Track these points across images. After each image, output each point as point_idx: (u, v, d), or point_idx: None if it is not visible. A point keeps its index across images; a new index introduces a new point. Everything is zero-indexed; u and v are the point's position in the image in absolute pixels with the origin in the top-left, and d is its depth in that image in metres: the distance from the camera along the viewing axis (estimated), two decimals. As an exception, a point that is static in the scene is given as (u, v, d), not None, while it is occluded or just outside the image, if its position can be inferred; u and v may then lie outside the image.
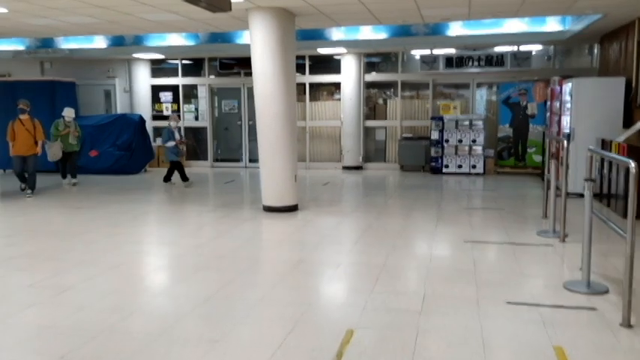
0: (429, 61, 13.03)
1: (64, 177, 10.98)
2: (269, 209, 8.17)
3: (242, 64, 13.88)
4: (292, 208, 8.22)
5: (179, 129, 11.11)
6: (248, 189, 11.26)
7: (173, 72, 14.66)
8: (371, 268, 5.27)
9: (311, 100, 14.10)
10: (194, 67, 14.67)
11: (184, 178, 10.84)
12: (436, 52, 12.79)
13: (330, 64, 13.85)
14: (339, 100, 13.90)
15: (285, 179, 8.17)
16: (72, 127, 10.79)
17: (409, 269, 5.38)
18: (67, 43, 13.27)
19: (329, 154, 14.23)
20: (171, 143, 10.61)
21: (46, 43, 13.41)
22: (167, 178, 11.02)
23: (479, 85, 13.32)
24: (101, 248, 6.18)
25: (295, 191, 8.31)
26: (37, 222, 7.83)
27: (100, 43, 13.10)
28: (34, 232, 7.15)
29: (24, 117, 9.42)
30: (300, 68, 13.63)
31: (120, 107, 14.80)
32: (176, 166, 10.86)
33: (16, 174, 9.61)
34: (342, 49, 12.84)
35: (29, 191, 9.58)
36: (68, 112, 10.85)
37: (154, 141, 14.48)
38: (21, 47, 13.52)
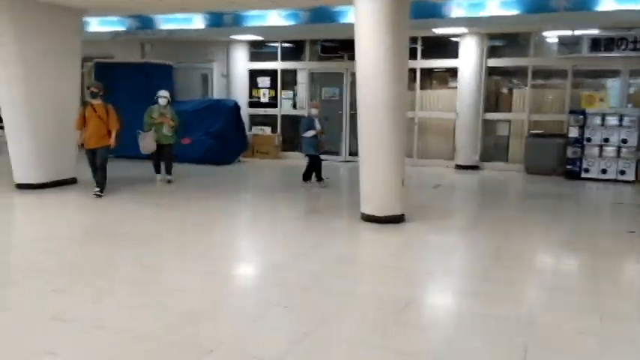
0: (568, 44, 10.83)
1: (157, 171, 9.48)
2: (369, 219, 6.71)
3: (346, 47, 12.46)
4: (397, 219, 6.70)
5: (319, 118, 9.54)
6: (346, 189, 9.84)
7: (272, 56, 13.59)
8: (511, 328, 3.65)
9: (422, 88, 12.40)
10: (294, 51, 13.50)
11: (319, 177, 9.32)
12: (578, 32, 10.57)
13: (445, 47, 12.05)
14: (455, 88, 12.08)
15: (390, 183, 6.67)
16: (168, 114, 9.36)
17: (574, 336, 3.67)
18: (166, 24, 12.65)
19: (440, 151, 12.47)
20: (310, 133, 9.09)
21: (146, 24, 12.88)
22: (307, 176, 9.45)
23: (633, 74, 10.90)
24: (160, 263, 5.07)
25: (402, 198, 6.78)
26: (101, 222, 6.95)
27: (198, 23, 12.33)
28: (90, 234, 6.25)
29: (96, 102, 7.94)
30: (411, 52, 11.91)
31: (216, 92, 14.01)
32: (314, 162, 9.38)
33: (91, 169, 8.13)
34: (462, 29, 11.01)
35: (97, 189, 7.97)
36: (163, 94, 9.45)
37: (250, 129, 13.55)
38: (121, 28, 13.09)
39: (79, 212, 7.36)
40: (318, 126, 9.24)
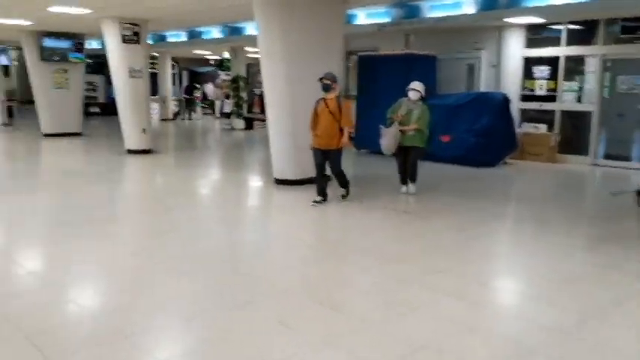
0: None
1: (402, 182, 7.92)
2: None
3: (657, 24, 9.79)
4: None
5: None
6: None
7: (553, 41, 11.51)
8: None
9: None
10: (583, 34, 11.19)
11: None
12: None
13: None
14: None
15: None
16: (416, 111, 7.60)
17: None
18: (432, 12, 11.74)
19: None
20: None
21: (411, 13, 12.18)
22: None
23: None
24: (401, 298, 4.10)
25: None
26: (343, 230, 6.29)
27: (468, 8, 11.08)
28: (331, 245, 5.62)
29: (329, 96, 6.92)
30: None
31: (484, 84, 12.56)
32: None
33: (316, 172, 7.18)
34: None
35: (343, 191, 7.30)
36: (414, 86, 7.69)
37: (519, 126, 11.77)
38: (386, 19, 12.65)
39: (322, 215, 6.88)
40: None
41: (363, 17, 12.72)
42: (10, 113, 17.92)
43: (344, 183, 7.30)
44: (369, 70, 12.30)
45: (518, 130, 11.50)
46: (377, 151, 10.46)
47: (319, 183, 7.15)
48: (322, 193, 7.13)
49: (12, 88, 22.61)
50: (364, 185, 8.77)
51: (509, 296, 4.45)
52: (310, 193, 7.23)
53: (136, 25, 11.46)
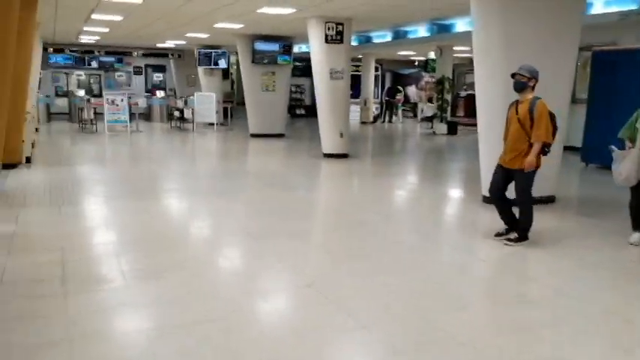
0: None
1: (635, 227, 5.56)
2: None
3: None
4: None
5: None
6: None
7: None
8: None
9: None
10: None
11: None
12: None
13: None
14: None
15: None
16: None
17: None
18: (699, -6, 9.20)
19: None
20: None
21: (669, -3, 9.74)
22: None
23: None
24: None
25: None
26: (551, 274, 4.75)
27: None
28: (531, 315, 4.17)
29: (523, 98, 5.27)
30: None
31: None
32: None
33: (491, 198, 5.82)
34: None
35: (511, 236, 5.47)
36: None
37: None
38: (632, 7, 10.32)
39: (538, 253, 5.38)
40: None
41: (599, 6, 10.61)
42: (225, 114, 19.22)
43: (524, 221, 5.41)
44: (606, 69, 10.19)
45: None
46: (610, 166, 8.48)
47: (500, 210, 5.59)
48: (507, 221, 5.56)
49: (230, 90, 24.52)
50: (593, 214, 6.97)
51: None
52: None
53: (340, 24, 11.03)
